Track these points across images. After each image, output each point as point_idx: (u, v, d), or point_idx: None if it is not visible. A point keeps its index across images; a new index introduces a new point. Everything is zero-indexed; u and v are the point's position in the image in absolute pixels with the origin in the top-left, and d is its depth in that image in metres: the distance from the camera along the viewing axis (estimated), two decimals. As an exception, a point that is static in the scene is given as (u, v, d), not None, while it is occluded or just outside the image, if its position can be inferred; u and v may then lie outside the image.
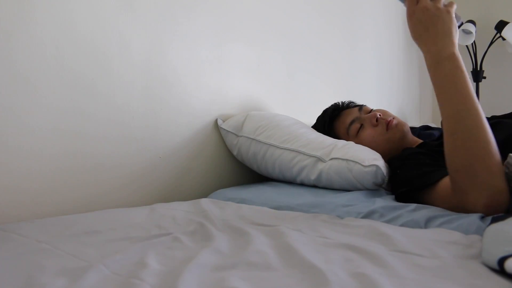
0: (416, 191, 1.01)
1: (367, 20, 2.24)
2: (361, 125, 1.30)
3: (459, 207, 0.88)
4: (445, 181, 0.95)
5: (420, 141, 1.27)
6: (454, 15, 0.95)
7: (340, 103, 1.43)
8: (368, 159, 1.12)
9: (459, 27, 0.98)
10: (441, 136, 1.28)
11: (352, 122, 1.32)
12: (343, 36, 2.05)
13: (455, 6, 0.96)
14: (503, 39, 2.53)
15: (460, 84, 0.90)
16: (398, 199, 1.04)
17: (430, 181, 0.98)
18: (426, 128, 1.51)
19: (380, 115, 1.29)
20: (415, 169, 1.04)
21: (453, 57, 0.92)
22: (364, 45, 2.19)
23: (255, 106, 1.54)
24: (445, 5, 0.96)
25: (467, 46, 2.64)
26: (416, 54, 2.69)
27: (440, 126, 1.90)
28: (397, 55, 2.52)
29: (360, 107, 1.37)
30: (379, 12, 2.35)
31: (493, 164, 0.85)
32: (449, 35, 0.93)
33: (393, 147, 1.24)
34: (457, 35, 0.95)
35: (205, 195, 1.30)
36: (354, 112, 1.35)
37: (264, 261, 0.62)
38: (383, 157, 1.17)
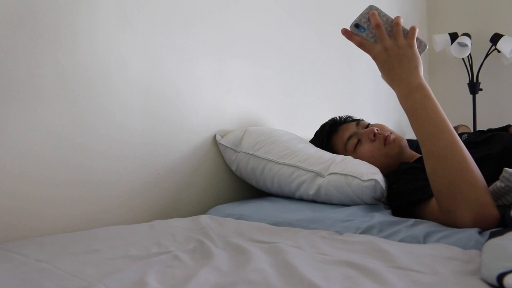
0: (410, 205, 1.02)
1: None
2: (359, 140, 1.31)
3: (450, 224, 0.89)
4: None
5: (418, 155, 1.27)
6: (416, 47, 0.97)
7: (338, 118, 1.44)
8: (366, 174, 1.12)
9: (423, 51, 0.99)
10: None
11: (350, 137, 1.33)
12: (339, 52, 2.07)
13: (416, 32, 0.98)
14: (499, 51, 2.55)
15: (431, 110, 0.94)
16: (394, 213, 1.05)
17: (424, 196, 0.98)
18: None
19: (377, 130, 1.30)
20: (410, 183, 1.05)
21: (421, 87, 0.96)
22: (361, 60, 2.20)
23: (254, 122, 1.55)
24: (405, 36, 0.97)
25: (463, 58, 2.66)
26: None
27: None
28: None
29: (358, 121, 1.38)
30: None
31: (472, 178, 0.87)
32: (414, 69, 0.97)
33: (391, 162, 1.25)
34: (421, 67, 0.98)
35: (204, 210, 1.30)
36: (352, 127, 1.36)
37: (264, 279, 0.62)
38: (381, 171, 1.18)
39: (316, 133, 1.47)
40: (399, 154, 1.26)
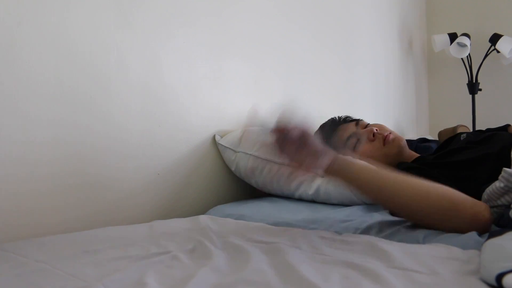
0: None
1: (363, 34, 2.26)
2: (358, 140, 1.31)
3: None
4: None
5: (417, 155, 1.27)
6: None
7: (337, 118, 1.44)
8: (365, 174, 1.12)
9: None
10: (437, 150, 1.29)
11: (349, 137, 1.32)
12: (338, 52, 2.07)
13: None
14: (498, 51, 2.56)
15: (359, 178, 0.89)
16: (393, 213, 1.04)
17: None
18: (423, 140, 1.52)
19: (377, 130, 1.30)
20: None
21: (332, 172, 0.89)
22: (360, 60, 2.21)
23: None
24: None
25: (462, 59, 2.66)
26: (412, 67, 2.71)
27: (437, 138, 1.91)
28: (393, 69, 2.53)
29: (357, 121, 1.38)
30: (374, 27, 2.37)
31: (443, 206, 0.84)
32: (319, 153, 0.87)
33: (390, 161, 1.24)
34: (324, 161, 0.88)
35: (203, 211, 1.30)
36: (351, 127, 1.36)
37: (263, 279, 0.62)
38: (380, 171, 1.17)
39: (315, 133, 1.46)
40: (398, 154, 1.26)
